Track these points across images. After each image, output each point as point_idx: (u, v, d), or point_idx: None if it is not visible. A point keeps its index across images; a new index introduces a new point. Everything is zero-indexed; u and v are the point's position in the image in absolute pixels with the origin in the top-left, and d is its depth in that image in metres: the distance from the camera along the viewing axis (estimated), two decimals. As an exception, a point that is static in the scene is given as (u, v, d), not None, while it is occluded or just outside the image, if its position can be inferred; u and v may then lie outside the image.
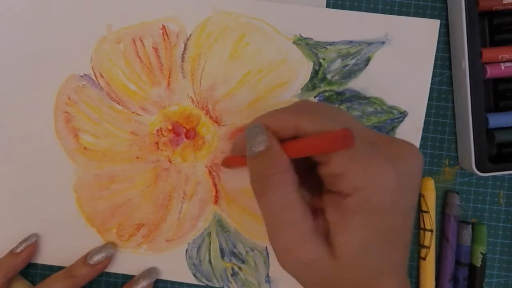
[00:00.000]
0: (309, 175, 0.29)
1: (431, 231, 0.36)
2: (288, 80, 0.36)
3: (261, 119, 0.29)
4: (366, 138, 0.26)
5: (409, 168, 0.26)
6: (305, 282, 0.27)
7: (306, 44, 0.35)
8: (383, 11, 0.36)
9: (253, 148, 0.27)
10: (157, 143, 0.36)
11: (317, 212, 0.27)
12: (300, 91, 0.36)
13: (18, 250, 0.35)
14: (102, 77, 0.36)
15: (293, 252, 0.26)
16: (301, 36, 0.35)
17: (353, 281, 0.26)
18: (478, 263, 0.36)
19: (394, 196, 0.25)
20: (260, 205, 0.27)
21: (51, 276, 0.35)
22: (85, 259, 0.35)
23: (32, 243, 0.35)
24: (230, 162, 0.34)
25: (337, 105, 0.36)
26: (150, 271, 0.36)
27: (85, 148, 0.36)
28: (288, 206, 0.26)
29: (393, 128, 0.36)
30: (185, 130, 0.36)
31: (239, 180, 0.36)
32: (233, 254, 0.36)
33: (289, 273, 0.27)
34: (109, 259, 0.35)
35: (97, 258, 0.34)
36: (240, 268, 0.36)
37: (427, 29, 0.35)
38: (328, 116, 0.27)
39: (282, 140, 0.27)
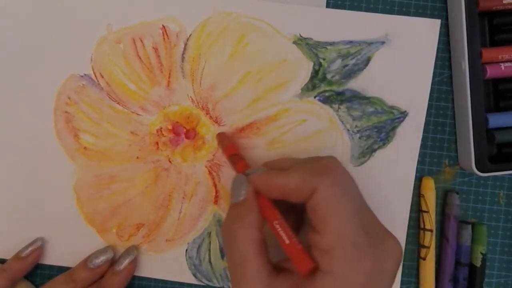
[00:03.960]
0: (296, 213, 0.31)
1: (431, 231, 0.36)
2: (288, 80, 0.36)
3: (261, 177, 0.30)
4: (364, 223, 0.27)
5: (388, 266, 0.27)
6: None
7: (306, 44, 0.35)
8: (383, 11, 0.36)
9: (234, 198, 0.29)
10: (157, 143, 0.36)
11: (285, 272, 0.28)
12: (300, 91, 0.36)
13: (23, 254, 0.35)
14: (102, 77, 0.36)
15: None
16: (301, 36, 0.35)
17: None
18: (478, 263, 0.36)
19: None
20: (225, 254, 0.29)
21: (52, 280, 0.35)
22: (85, 263, 0.35)
23: (38, 247, 0.35)
24: (222, 141, 0.35)
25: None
26: (129, 249, 0.36)
27: (85, 148, 0.36)
28: (245, 261, 0.27)
29: (393, 128, 0.36)
30: (185, 130, 0.36)
31: (239, 180, 0.36)
32: (233, 254, 0.36)
33: None
34: (109, 262, 0.35)
35: (96, 262, 0.34)
36: (240, 268, 0.36)
37: (427, 29, 0.35)
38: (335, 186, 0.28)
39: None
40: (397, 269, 0.28)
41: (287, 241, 0.28)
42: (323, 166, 0.29)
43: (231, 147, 0.34)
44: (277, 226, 0.28)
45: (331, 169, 0.29)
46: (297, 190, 0.28)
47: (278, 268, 0.28)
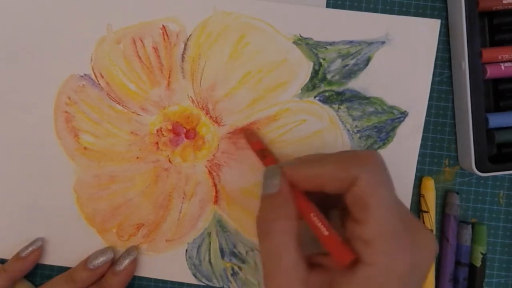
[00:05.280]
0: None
1: (431, 231, 0.36)
2: (288, 80, 0.36)
3: (297, 167, 0.29)
4: (402, 215, 0.27)
5: (423, 259, 0.27)
6: None
7: (306, 44, 0.35)
8: (383, 11, 0.36)
9: (267, 189, 0.28)
10: (157, 143, 0.36)
11: (316, 267, 0.28)
12: (300, 91, 0.36)
13: (23, 254, 0.35)
14: (102, 77, 0.36)
15: None
16: (301, 36, 0.35)
17: None
18: (478, 263, 0.36)
19: (401, 285, 0.26)
20: (260, 246, 0.28)
21: (51, 280, 0.35)
22: (85, 264, 0.35)
23: (38, 247, 0.35)
24: (249, 136, 0.35)
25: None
26: (129, 250, 0.36)
27: (85, 148, 0.36)
28: (282, 253, 0.27)
29: (394, 128, 0.36)
30: (185, 130, 0.36)
31: (239, 180, 0.36)
32: (233, 254, 0.36)
33: None
34: (109, 263, 0.35)
35: (96, 262, 0.34)
36: (240, 268, 0.36)
37: (427, 29, 0.35)
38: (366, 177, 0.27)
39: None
40: (432, 262, 0.27)
41: (326, 233, 0.27)
42: (363, 155, 0.28)
43: (258, 143, 0.34)
44: (314, 218, 0.28)
45: (371, 158, 0.28)
46: (334, 179, 0.27)
47: (311, 263, 0.28)
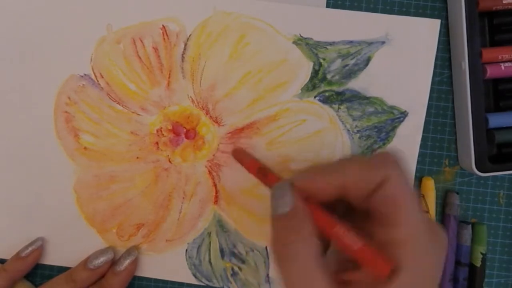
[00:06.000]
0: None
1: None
2: (288, 80, 0.36)
3: (301, 178, 0.26)
4: (425, 221, 0.26)
5: (443, 257, 0.26)
6: None
7: (306, 44, 0.35)
8: (383, 11, 0.36)
9: (278, 209, 0.25)
10: (157, 143, 0.36)
11: (344, 285, 0.25)
12: (300, 91, 0.36)
13: (23, 254, 0.35)
14: (102, 77, 0.36)
15: None
16: (301, 36, 0.35)
17: None
18: (478, 263, 0.36)
19: (435, 285, 0.25)
20: (279, 272, 0.25)
21: (51, 280, 0.35)
22: (85, 264, 0.35)
23: (38, 247, 0.36)
24: (241, 157, 0.32)
25: (337, 106, 0.36)
26: (130, 250, 0.36)
27: (85, 148, 0.36)
28: (307, 280, 0.24)
29: (394, 128, 0.36)
30: (185, 130, 0.36)
31: (239, 180, 0.36)
32: (233, 254, 0.36)
33: None
34: (109, 263, 0.35)
35: (97, 262, 0.34)
36: (240, 268, 0.36)
37: (427, 29, 0.35)
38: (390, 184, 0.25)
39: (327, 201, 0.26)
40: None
41: (357, 246, 0.24)
42: (389, 155, 0.26)
43: (253, 162, 0.30)
44: (341, 232, 0.24)
45: (396, 159, 0.26)
46: (360, 182, 0.25)
47: (340, 283, 0.25)
